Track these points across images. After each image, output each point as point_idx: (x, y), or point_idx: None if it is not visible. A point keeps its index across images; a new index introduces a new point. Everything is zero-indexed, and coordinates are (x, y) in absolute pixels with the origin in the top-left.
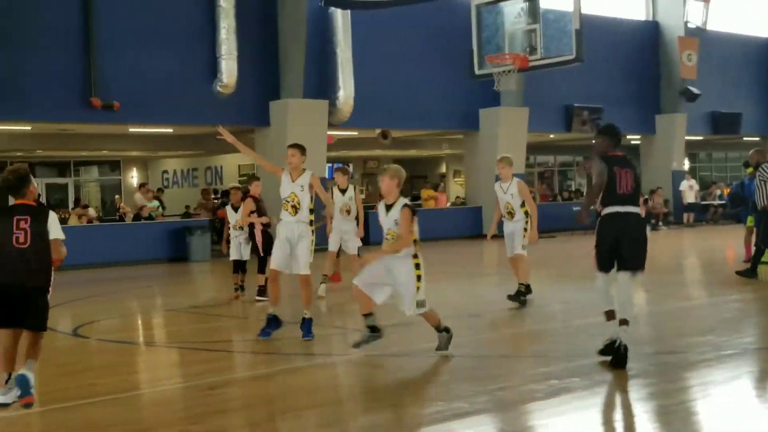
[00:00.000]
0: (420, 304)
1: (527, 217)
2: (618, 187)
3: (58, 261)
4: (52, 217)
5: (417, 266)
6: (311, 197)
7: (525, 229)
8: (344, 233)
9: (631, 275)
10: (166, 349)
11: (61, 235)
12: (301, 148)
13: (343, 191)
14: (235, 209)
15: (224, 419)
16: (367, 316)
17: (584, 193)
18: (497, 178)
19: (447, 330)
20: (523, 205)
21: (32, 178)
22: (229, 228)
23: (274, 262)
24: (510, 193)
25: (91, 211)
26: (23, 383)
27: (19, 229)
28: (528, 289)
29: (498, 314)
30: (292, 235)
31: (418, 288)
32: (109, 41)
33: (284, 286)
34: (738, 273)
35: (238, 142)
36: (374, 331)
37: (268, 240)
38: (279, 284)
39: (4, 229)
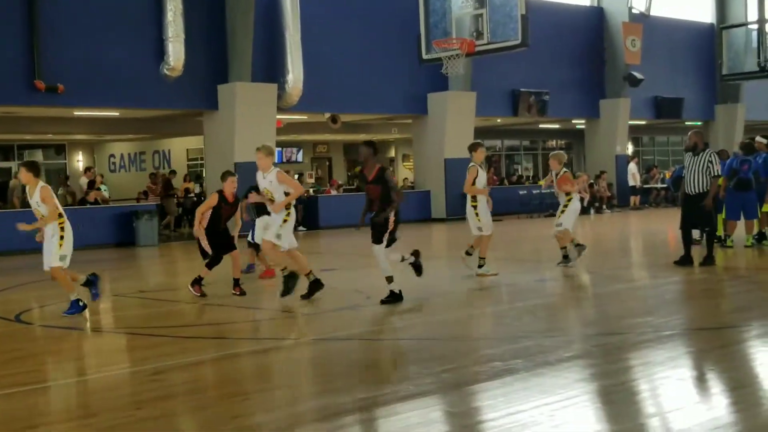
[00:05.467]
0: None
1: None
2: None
3: None
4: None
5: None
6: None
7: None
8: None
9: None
10: (112, 335)
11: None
12: None
13: None
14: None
15: (170, 404)
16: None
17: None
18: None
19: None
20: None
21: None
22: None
23: None
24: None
25: (104, 192)
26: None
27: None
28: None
29: (445, 297)
30: None
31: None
32: (54, 22)
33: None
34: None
35: None
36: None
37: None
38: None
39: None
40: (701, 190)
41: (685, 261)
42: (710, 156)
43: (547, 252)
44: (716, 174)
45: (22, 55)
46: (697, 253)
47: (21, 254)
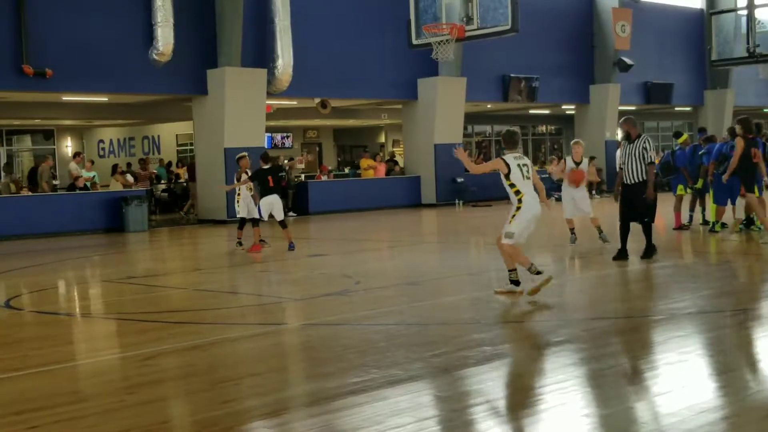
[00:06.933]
0: None
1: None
2: None
3: None
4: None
5: None
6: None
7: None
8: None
9: None
10: (102, 321)
11: None
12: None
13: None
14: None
15: (161, 389)
16: None
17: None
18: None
19: None
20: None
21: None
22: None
23: None
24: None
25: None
26: None
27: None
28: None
29: (436, 282)
30: None
31: None
32: (42, 7)
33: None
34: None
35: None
36: None
37: None
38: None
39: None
40: (639, 179)
41: (621, 255)
42: (644, 143)
43: (536, 238)
44: (651, 161)
45: (10, 40)
46: (687, 238)
47: (13, 239)
